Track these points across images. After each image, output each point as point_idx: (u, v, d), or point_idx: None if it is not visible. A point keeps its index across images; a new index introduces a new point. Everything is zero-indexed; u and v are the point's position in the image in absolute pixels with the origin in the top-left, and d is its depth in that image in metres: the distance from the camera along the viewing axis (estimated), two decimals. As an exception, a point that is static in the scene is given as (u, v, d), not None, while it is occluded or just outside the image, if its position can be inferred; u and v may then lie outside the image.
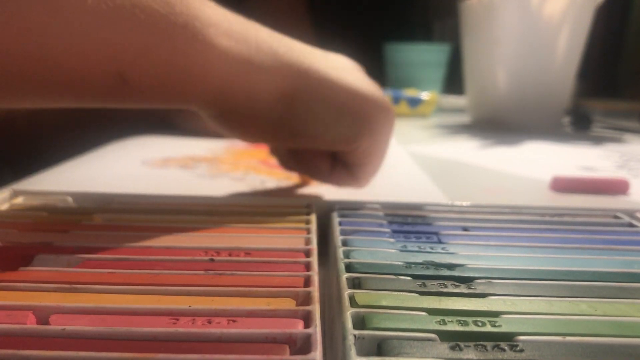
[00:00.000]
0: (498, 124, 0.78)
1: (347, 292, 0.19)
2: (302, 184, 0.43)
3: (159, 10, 0.24)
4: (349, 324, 0.17)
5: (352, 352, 0.15)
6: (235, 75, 0.28)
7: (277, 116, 0.30)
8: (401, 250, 0.24)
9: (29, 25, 0.21)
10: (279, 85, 0.29)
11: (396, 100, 0.91)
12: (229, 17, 0.28)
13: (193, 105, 0.29)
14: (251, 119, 0.30)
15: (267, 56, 0.29)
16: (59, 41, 0.22)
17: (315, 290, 0.19)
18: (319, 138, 0.32)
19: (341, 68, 0.32)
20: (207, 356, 0.15)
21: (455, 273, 0.22)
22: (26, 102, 0.26)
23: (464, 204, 0.32)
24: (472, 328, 0.17)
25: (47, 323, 0.17)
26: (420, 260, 0.23)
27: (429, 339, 0.16)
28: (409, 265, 0.22)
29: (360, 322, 0.17)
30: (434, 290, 0.20)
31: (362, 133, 0.32)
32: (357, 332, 0.16)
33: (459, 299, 0.19)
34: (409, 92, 0.94)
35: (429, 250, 0.24)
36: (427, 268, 0.22)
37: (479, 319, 0.17)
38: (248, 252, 0.23)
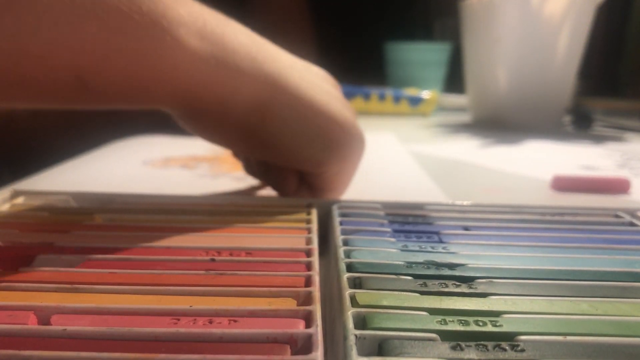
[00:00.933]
0: (499, 123, 0.78)
1: (348, 292, 0.19)
2: (261, 187, 0.42)
3: (123, 9, 0.22)
4: (350, 323, 0.17)
5: (353, 352, 0.15)
6: (206, 76, 0.26)
7: (249, 126, 0.29)
8: (402, 250, 0.24)
9: None
10: (253, 93, 0.28)
11: (397, 99, 0.91)
12: (206, 16, 0.26)
13: (160, 105, 0.28)
14: (222, 124, 0.29)
15: (243, 61, 0.27)
16: (10, 41, 0.21)
17: (316, 290, 0.19)
18: (289, 156, 0.31)
19: (318, 85, 0.31)
20: (208, 356, 0.15)
21: (456, 273, 0.21)
22: None
23: (465, 203, 0.32)
24: (473, 328, 0.17)
25: (48, 323, 0.17)
26: (421, 260, 0.23)
27: (430, 339, 0.16)
28: (409, 265, 0.22)
29: (361, 322, 0.17)
30: (435, 290, 0.20)
31: (333, 158, 0.31)
32: (358, 332, 0.16)
33: (460, 298, 0.19)
34: (410, 91, 0.94)
35: (429, 249, 0.24)
36: (428, 268, 0.22)
37: (480, 318, 0.17)
38: (249, 252, 0.23)
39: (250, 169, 0.37)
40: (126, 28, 0.23)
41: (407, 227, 0.27)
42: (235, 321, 0.17)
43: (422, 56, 1.12)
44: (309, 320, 0.17)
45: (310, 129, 0.30)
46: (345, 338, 0.16)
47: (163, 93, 0.26)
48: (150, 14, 0.23)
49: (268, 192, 0.40)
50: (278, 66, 0.29)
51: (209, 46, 0.26)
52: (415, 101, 0.92)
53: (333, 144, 0.31)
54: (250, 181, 0.43)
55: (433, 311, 0.18)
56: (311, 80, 0.31)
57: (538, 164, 0.55)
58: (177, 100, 0.27)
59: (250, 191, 0.41)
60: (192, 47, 0.25)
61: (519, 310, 0.18)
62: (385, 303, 0.18)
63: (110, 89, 0.24)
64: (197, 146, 0.58)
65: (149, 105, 0.28)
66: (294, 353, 0.16)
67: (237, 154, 0.37)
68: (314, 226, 0.27)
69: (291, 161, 0.31)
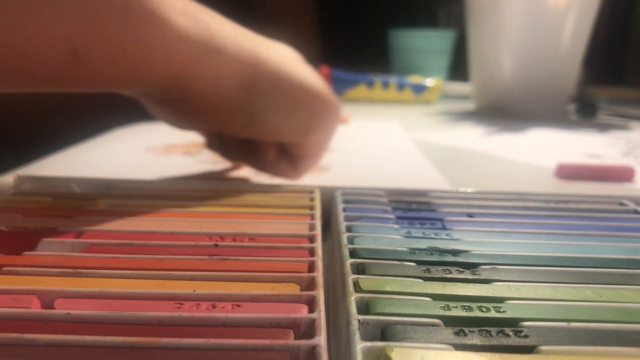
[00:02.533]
0: (503, 111, 0.78)
1: (351, 277, 0.19)
2: (233, 168, 0.43)
3: None
4: (353, 309, 0.17)
5: (357, 337, 0.15)
6: (195, 57, 0.27)
7: (238, 104, 0.30)
8: (405, 237, 0.24)
9: None
10: (239, 72, 0.29)
11: (401, 87, 0.91)
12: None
13: (153, 88, 0.28)
14: (210, 106, 0.30)
15: (227, 40, 0.28)
16: (7, 15, 0.21)
17: (319, 275, 0.19)
18: (275, 129, 0.32)
19: (293, 59, 0.32)
20: (212, 340, 0.15)
21: (460, 259, 0.21)
22: None
23: (469, 190, 0.32)
24: (477, 314, 0.17)
25: (51, 307, 0.17)
26: (424, 246, 0.23)
27: (434, 324, 0.16)
28: (413, 251, 0.22)
29: (365, 308, 0.17)
30: (438, 276, 0.20)
31: (315, 126, 0.33)
32: (361, 317, 0.16)
33: (464, 284, 0.19)
34: (414, 79, 0.93)
35: (433, 236, 0.24)
36: (432, 254, 0.22)
37: (483, 304, 0.17)
38: (252, 237, 0.23)
39: (230, 152, 0.38)
40: (115, 2, 0.23)
41: (410, 214, 0.27)
42: (238, 306, 0.17)
43: (426, 44, 1.11)
44: (312, 305, 0.17)
45: (294, 101, 0.31)
46: (348, 323, 0.16)
47: (154, 73, 0.27)
48: None
49: (245, 173, 0.41)
50: (258, 44, 0.30)
51: (193, 24, 0.26)
52: (419, 89, 0.92)
53: (315, 113, 0.32)
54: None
55: (436, 297, 0.18)
56: (288, 56, 0.32)
57: (542, 152, 0.54)
58: (168, 83, 0.27)
59: (224, 174, 0.42)
60: (179, 25, 0.26)
61: (523, 297, 0.18)
62: (388, 289, 0.18)
63: (104, 66, 0.25)
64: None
65: (141, 88, 0.28)
66: (297, 338, 0.16)
67: (210, 144, 0.38)
68: (318, 212, 0.27)
69: (276, 134, 0.33)
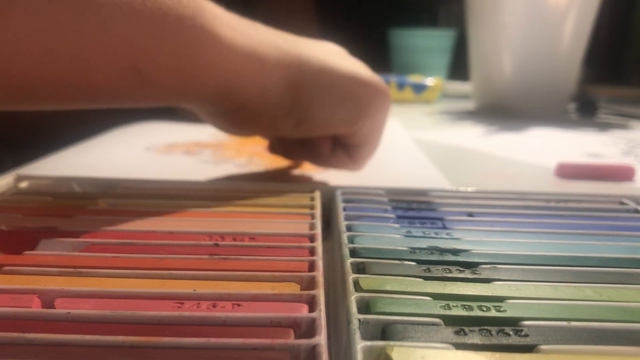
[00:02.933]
0: (503, 110, 0.78)
1: (351, 276, 0.19)
2: (294, 166, 0.44)
3: (167, 2, 0.24)
4: (354, 308, 0.17)
5: (357, 336, 0.15)
6: (244, 67, 0.28)
7: (285, 107, 0.31)
8: (406, 236, 0.24)
9: (47, 23, 0.21)
10: (284, 76, 0.30)
11: (401, 86, 0.91)
12: (226, 11, 0.28)
13: (206, 100, 0.30)
14: (262, 112, 0.31)
15: (269, 47, 0.29)
16: (83, 37, 0.22)
17: (319, 274, 0.19)
18: (324, 124, 0.33)
19: (335, 55, 0.33)
20: (212, 340, 0.15)
21: (460, 258, 0.21)
22: (46, 104, 0.26)
23: (469, 189, 0.32)
24: (477, 313, 0.17)
25: (52, 307, 0.17)
26: (424, 246, 0.23)
27: (434, 324, 0.16)
28: (413, 250, 0.22)
29: (365, 307, 0.17)
30: (439, 275, 0.20)
31: (363, 115, 0.33)
32: (361, 316, 0.16)
33: (464, 284, 0.19)
34: (414, 78, 0.93)
35: (433, 235, 0.24)
36: (432, 253, 0.22)
37: (483, 304, 0.17)
38: (252, 236, 0.23)
39: (290, 154, 0.39)
40: (170, 19, 0.25)
41: (410, 213, 0.27)
42: (238, 305, 0.17)
43: (427, 43, 1.11)
44: (312, 304, 0.17)
45: (339, 93, 0.32)
46: (348, 322, 0.16)
47: (207, 85, 0.28)
48: (189, 7, 0.25)
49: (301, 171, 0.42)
50: (298, 46, 0.31)
51: (241, 37, 0.28)
52: (420, 88, 0.92)
53: (362, 102, 0.33)
54: (255, 168, 0.43)
55: (437, 296, 0.18)
56: (329, 50, 0.33)
57: (542, 151, 0.54)
58: (220, 95, 0.29)
59: (285, 171, 0.43)
60: (228, 38, 0.27)
61: (523, 296, 0.18)
62: (388, 288, 0.18)
63: (162, 78, 0.26)
64: (201, 132, 0.58)
65: (196, 100, 0.30)
66: (297, 337, 0.16)
67: (272, 148, 0.39)
68: (318, 212, 0.27)
69: (327, 128, 0.33)
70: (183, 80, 0.27)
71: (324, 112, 0.32)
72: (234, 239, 0.23)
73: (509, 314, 0.17)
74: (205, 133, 0.57)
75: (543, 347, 0.15)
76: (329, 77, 0.32)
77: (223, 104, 0.30)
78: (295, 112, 0.32)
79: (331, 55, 0.33)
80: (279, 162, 0.44)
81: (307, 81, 0.31)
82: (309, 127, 0.33)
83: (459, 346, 0.15)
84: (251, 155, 0.47)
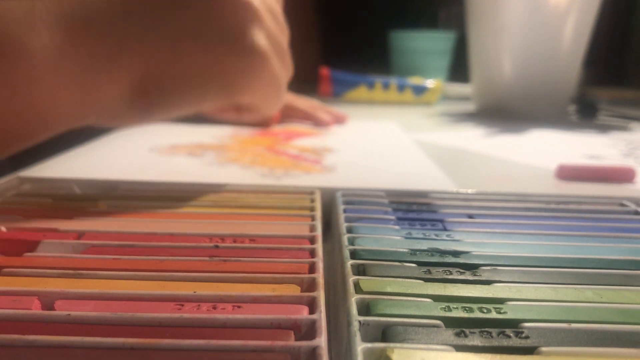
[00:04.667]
0: (503, 112, 0.78)
1: (351, 278, 0.19)
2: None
3: None
4: (354, 310, 0.17)
5: (357, 338, 0.15)
6: (67, 90, 0.27)
7: (140, 113, 0.31)
8: (406, 237, 0.24)
9: None
10: (124, 81, 0.29)
11: (401, 88, 0.91)
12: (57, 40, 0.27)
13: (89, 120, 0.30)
14: (115, 118, 0.31)
15: (102, 59, 0.28)
16: None
17: (320, 276, 0.19)
18: (190, 110, 0.32)
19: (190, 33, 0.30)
20: (212, 342, 0.15)
21: (461, 260, 0.21)
22: None
23: (469, 191, 0.32)
24: (477, 315, 0.17)
25: (52, 308, 0.17)
26: (425, 247, 0.23)
27: (434, 326, 0.16)
28: (413, 252, 0.22)
29: (365, 309, 0.17)
30: (439, 277, 0.20)
31: (234, 92, 0.32)
32: (362, 318, 0.16)
33: (464, 285, 0.19)
34: (414, 80, 0.93)
35: (434, 237, 0.24)
36: (432, 255, 0.22)
37: (484, 305, 0.17)
38: (253, 238, 0.23)
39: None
40: None
41: (411, 215, 0.27)
42: (239, 307, 0.17)
43: (427, 45, 1.11)
44: (312, 306, 0.17)
45: (199, 79, 0.31)
46: (349, 324, 0.16)
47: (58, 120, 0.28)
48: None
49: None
50: (132, 53, 0.29)
51: (67, 65, 0.27)
52: (420, 90, 0.92)
53: (226, 79, 0.31)
54: (258, 170, 0.43)
55: (437, 298, 0.18)
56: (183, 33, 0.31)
57: (543, 153, 0.54)
58: (78, 118, 0.29)
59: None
60: (51, 81, 0.27)
61: (524, 298, 0.18)
62: (389, 290, 0.18)
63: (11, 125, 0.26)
64: (204, 134, 0.58)
65: (85, 122, 0.30)
66: (297, 339, 0.16)
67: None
68: (318, 213, 0.27)
69: (198, 108, 0.33)
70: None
71: (186, 102, 0.31)
72: (234, 241, 0.23)
73: (509, 315, 0.17)
74: (208, 134, 0.57)
75: (544, 348, 0.15)
76: (178, 80, 0.30)
77: (92, 120, 0.30)
78: (154, 107, 0.31)
79: (186, 36, 0.30)
80: (282, 163, 0.44)
81: (153, 77, 0.29)
82: (169, 114, 0.32)
83: (460, 348, 0.15)
84: (254, 156, 0.47)
